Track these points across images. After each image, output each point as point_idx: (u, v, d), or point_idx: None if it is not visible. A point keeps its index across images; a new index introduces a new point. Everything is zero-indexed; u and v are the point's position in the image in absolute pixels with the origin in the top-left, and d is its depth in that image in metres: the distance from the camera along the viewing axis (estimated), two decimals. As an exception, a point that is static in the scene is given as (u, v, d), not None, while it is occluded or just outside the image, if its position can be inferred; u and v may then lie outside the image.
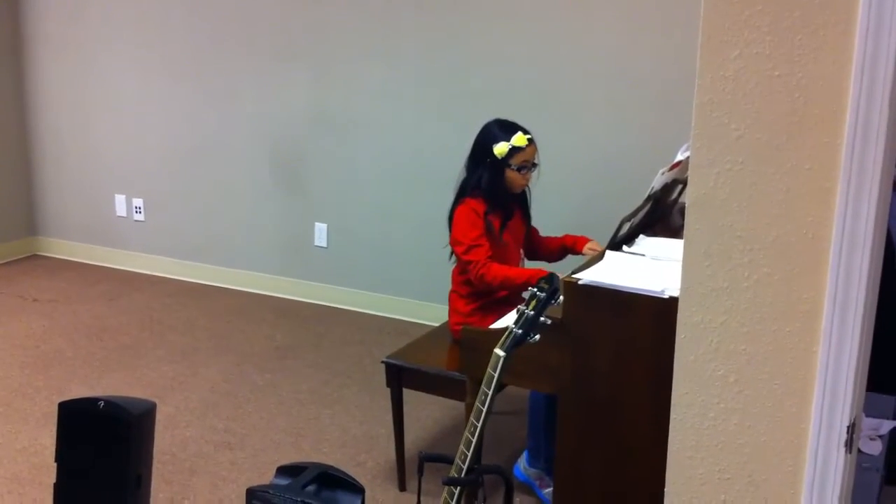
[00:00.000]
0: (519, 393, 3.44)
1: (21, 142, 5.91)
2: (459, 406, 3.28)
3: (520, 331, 2.06)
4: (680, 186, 3.21)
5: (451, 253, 3.25)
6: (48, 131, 5.87)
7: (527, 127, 3.20)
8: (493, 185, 3.17)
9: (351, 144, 4.97)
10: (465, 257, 3.14)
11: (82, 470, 2.60)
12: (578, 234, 3.45)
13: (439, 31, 4.61)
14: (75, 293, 5.30)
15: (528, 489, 3.21)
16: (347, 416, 3.80)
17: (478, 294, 3.21)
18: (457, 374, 2.96)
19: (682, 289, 1.65)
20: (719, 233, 1.58)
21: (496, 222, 3.20)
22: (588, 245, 3.37)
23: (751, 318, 1.60)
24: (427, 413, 3.80)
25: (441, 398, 3.51)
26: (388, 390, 3.22)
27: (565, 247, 3.46)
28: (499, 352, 2.06)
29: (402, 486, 3.23)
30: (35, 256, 6.03)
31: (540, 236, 3.50)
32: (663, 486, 1.78)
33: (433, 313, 4.39)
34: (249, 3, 5.06)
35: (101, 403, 2.56)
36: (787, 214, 1.52)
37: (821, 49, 1.44)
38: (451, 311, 3.34)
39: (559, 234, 3.52)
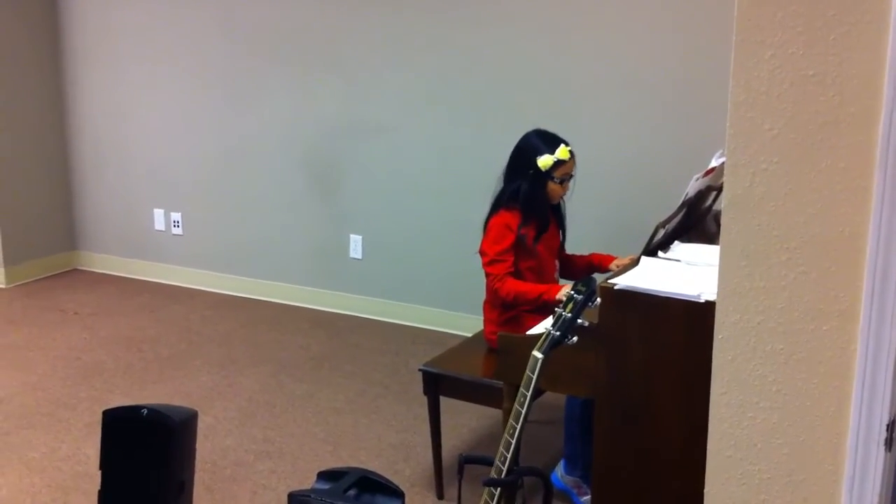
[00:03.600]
0: (555, 402, 3.46)
1: (61, 159, 6.03)
2: (495, 415, 3.30)
3: (557, 332, 2.07)
4: (714, 193, 3.22)
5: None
6: (88, 148, 5.98)
7: (559, 133, 3.23)
8: (533, 196, 3.20)
9: (383, 155, 5.01)
10: (487, 269, 3.20)
11: (126, 477, 2.64)
12: (613, 240, 3.46)
13: (468, 39, 4.64)
14: (115, 306, 5.38)
15: (567, 497, 3.21)
16: (384, 425, 3.82)
17: (509, 304, 3.22)
18: (493, 381, 2.98)
19: (720, 289, 1.66)
20: (756, 232, 1.59)
21: (531, 234, 3.22)
22: (615, 262, 3.38)
23: (788, 317, 1.60)
24: (463, 422, 3.81)
25: (476, 408, 3.54)
26: (424, 399, 3.24)
27: (591, 265, 3.47)
28: (537, 353, 2.08)
29: (440, 494, 3.25)
30: (76, 270, 6.13)
31: (566, 253, 3.52)
32: (701, 488, 1.79)
33: (467, 323, 4.41)
34: (279, 15, 5.13)
35: (145, 411, 2.60)
36: (823, 213, 1.53)
37: (854, 48, 1.45)
38: (486, 321, 3.36)
39: (591, 245, 3.53)
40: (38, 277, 5.91)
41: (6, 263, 5.73)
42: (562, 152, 3.15)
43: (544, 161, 3.14)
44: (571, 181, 3.28)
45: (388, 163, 5.01)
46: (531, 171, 3.18)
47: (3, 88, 5.59)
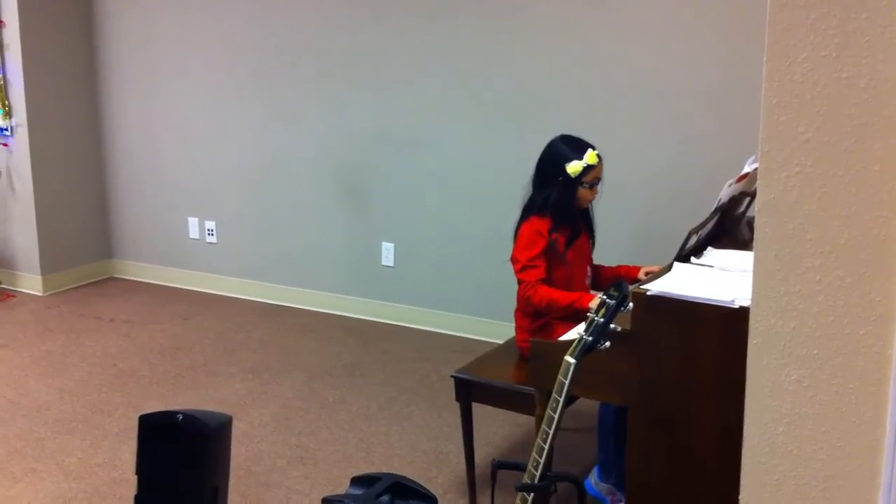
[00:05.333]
0: (588, 409, 3.44)
1: (97, 169, 6.11)
2: (528, 422, 3.29)
3: (590, 338, 2.07)
4: (748, 199, 3.20)
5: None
6: (123, 158, 6.05)
7: (592, 141, 3.22)
8: (564, 202, 3.18)
9: (415, 163, 5.03)
10: (518, 276, 3.18)
11: (161, 482, 2.67)
12: (645, 246, 3.44)
13: (500, 50, 4.66)
14: (150, 314, 5.43)
15: (599, 504, 3.20)
16: (416, 432, 3.83)
17: (540, 312, 3.21)
18: (525, 387, 2.97)
19: (754, 293, 1.65)
20: (789, 236, 1.58)
21: (561, 240, 3.21)
22: (643, 270, 3.35)
23: (823, 321, 1.59)
24: (495, 429, 3.81)
25: (509, 416, 3.54)
26: (456, 407, 3.24)
27: (619, 277, 3.42)
28: (569, 359, 2.07)
29: (473, 501, 3.24)
30: (111, 279, 6.21)
31: (594, 263, 3.49)
32: (736, 496, 1.77)
33: (499, 331, 4.41)
34: (314, 27, 5.17)
35: (180, 416, 2.63)
36: (858, 216, 1.51)
37: (888, 50, 1.43)
38: (517, 328, 3.35)
39: (623, 251, 3.52)
40: (74, 286, 5.99)
41: (43, 272, 5.81)
42: (590, 157, 3.14)
43: (574, 167, 3.13)
44: (599, 185, 3.27)
45: (420, 171, 5.03)
46: (561, 178, 3.17)
47: (40, 100, 5.68)
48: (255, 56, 5.42)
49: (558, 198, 3.18)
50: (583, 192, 3.19)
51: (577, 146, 3.18)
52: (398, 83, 5.00)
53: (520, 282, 3.17)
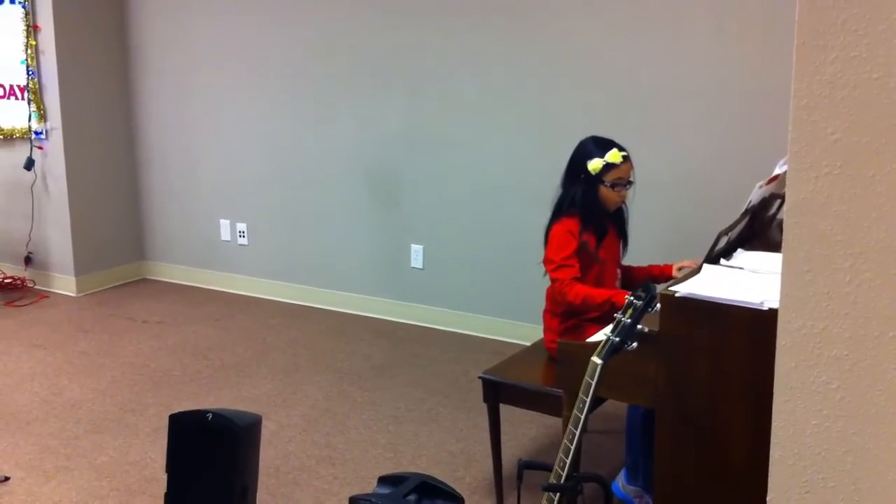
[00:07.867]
0: (616, 412, 3.44)
1: (130, 171, 6.18)
2: (555, 424, 3.29)
3: (617, 339, 2.07)
4: (778, 201, 3.17)
5: (546, 271, 3.28)
6: (156, 161, 6.12)
7: (622, 142, 3.21)
8: (586, 202, 3.19)
9: (445, 165, 5.04)
10: (553, 275, 3.18)
11: (191, 480, 2.69)
12: (675, 248, 3.43)
13: (530, 51, 4.66)
14: (182, 315, 5.49)
15: (627, 507, 3.19)
16: (444, 433, 3.84)
17: (571, 313, 3.21)
18: (553, 389, 2.97)
19: (782, 295, 1.64)
20: (819, 238, 1.57)
21: (591, 241, 3.21)
22: (677, 265, 3.34)
23: (853, 323, 1.58)
24: (523, 431, 3.81)
25: (537, 417, 3.53)
26: (484, 408, 3.24)
27: (652, 276, 3.42)
28: (596, 359, 2.07)
29: (500, 502, 3.24)
30: (144, 280, 6.28)
31: (624, 265, 3.48)
32: (765, 499, 1.76)
33: (528, 332, 4.41)
34: (346, 29, 5.20)
35: (210, 415, 2.66)
36: (888, 218, 1.50)
37: (920, 50, 1.43)
38: (546, 330, 3.36)
39: (653, 253, 3.51)
40: (107, 287, 6.06)
41: (77, 273, 5.89)
42: (612, 156, 3.13)
43: (594, 164, 3.13)
44: (630, 189, 3.25)
45: (449, 174, 5.04)
46: (583, 176, 3.17)
47: (75, 104, 5.75)
48: (287, 59, 5.46)
49: (582, 196, 3.18)
50: (605, 191, 3.18)
51: (602, 145, 3.18)
52: (429, 85, 5.01)
53: (553, 280, 3.17)
